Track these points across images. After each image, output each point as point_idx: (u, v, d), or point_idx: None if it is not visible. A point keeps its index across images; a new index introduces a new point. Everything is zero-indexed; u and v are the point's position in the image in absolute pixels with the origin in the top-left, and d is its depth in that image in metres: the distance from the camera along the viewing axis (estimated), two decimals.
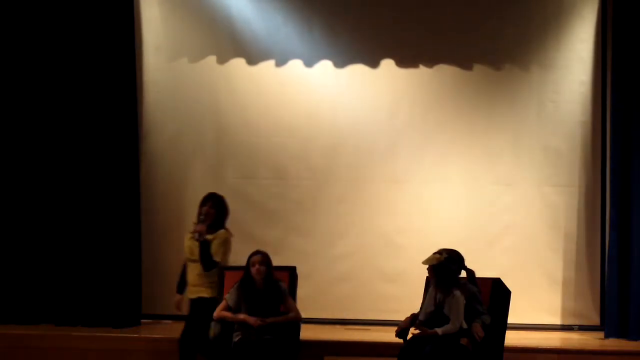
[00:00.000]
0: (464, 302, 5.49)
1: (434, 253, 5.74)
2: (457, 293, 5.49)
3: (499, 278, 5.87)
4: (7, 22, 7.43)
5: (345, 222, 7.66)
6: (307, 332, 6.01)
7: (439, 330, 5.43)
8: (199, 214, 6.11)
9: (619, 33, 7.22)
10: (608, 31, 7.42)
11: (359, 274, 7.59)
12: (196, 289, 6.07)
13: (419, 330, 5.54)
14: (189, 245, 6.12)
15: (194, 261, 6.06)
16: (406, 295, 6.88)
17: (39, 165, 7.42)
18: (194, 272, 6.08)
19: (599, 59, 7.50)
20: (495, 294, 5.80)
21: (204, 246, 5.98)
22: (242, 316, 5.64)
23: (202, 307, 5.97)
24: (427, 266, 5.74)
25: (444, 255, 5.52)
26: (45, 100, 7.42)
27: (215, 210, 6.12)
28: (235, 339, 5.67)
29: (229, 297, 5.75)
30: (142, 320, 7.40)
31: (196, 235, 6.01)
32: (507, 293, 5.79)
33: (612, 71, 7.32)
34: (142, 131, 7.67)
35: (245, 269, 5.78)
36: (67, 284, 7.32)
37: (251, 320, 5.58)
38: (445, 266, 5.51)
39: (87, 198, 7.34)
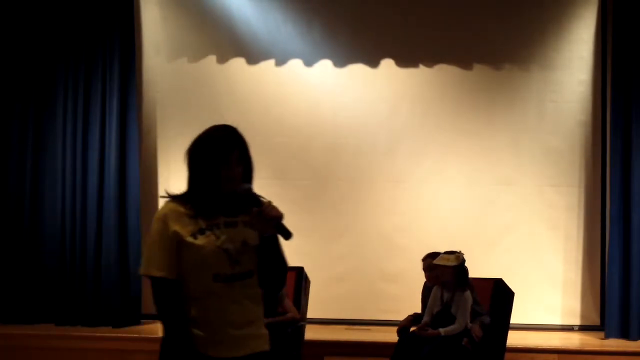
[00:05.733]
0: (472, 302, 5.51)
1: (426, 257, 5.78)
2: (467, 293, 5.51)
3: (501, 278, 5.86)
4: (7, 20, 7.43)
5: (345, 222, 7.65)
6: (307, 332, 5.99)
7: (442, 331, 5.43)
8: None
9: (619, 33, 7.22)
10: (608, 31, 7.43)
11: (359, 274, 7.58)
12: None
13: (422, 332, 5.50)
14: None
15: None
16: (406, 295, 6.87)
17: (40, 165, 7.42)
18: None
19: (598, 59, 7.51)
20: (497, 295, 5.79)
21: None
22: None
23: None
24: (423, 266, 5.77)
25: (462, 255, 5.53)
26: (45, 99, 7.42)
27: None
28: None
29: None
30: (142, 320, 7.38)
31: None
32: (509, 294, 5.76)
33: (612, 71, 7.32)
34: (142, 131, 7.67)
35: None
36: (67, 283, 7.31)
37: None
38: (464, 266, 5.54)
39: (87, 197, 7.34)
